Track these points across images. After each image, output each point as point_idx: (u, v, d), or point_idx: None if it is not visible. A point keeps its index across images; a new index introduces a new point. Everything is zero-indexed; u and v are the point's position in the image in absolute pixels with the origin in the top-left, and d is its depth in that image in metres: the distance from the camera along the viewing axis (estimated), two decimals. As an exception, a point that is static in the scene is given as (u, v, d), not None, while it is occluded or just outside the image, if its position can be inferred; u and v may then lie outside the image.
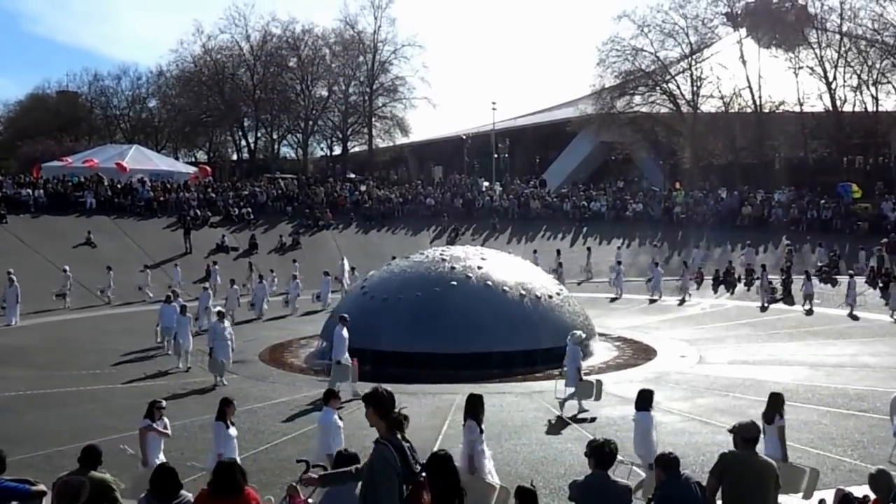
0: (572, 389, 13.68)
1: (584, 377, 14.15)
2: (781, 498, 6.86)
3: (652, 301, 28.88)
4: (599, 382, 14.04)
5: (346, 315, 16.07)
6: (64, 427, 12.86)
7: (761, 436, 9.14)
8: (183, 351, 18.08)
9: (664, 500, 6.15)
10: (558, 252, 34.17)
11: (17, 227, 35.02)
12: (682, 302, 28.42)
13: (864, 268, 30.37)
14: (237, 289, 26.26)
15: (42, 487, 6.99)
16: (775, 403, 9.33)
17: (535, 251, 33.58)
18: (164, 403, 9.81)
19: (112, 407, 14.53)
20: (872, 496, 6.66)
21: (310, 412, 13.95)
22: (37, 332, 23.66)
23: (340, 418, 9.49)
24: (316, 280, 30.10)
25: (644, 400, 9.71)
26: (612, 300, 29.44)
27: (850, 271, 28.33)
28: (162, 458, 9.22)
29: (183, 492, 6.69)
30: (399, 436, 5.67)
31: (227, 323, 17.32)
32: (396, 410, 5.80)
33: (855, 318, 23.90)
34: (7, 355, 19.38)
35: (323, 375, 17.57)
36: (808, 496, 8.58)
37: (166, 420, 9.73)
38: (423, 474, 5.64)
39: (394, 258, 24.90)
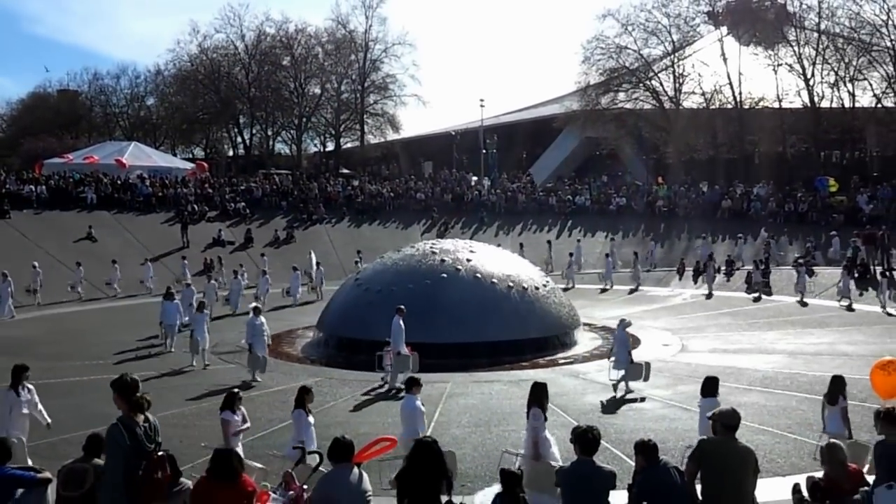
0: (622, 372, 14.11)
1: (631, 361, 14.43)
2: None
3: (603, 290, 29.21)
4: (648, 364, 14.40)
5: (402, 306, 15.59)
6: (68, 416, 12.82)
7: (825, 412, 9.60)
8: (200, 349, 17.33)
9: (645, 485, 6.21)
10: (549, 244, 34.36)
11: (20, 223, 34.91)
12: (632, 291, 29.10)
13: (837, 255, 30.54)
14: (214, 283, 25.89)
15: (47, 475, 7.01)
16: (838, 385, 9.68)
17: (521, 245, 33.71)
18: (241, 394, 9.68)
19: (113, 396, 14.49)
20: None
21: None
22: (40, 324, 23.58)
23: (422, 405, 9.54)
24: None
25: (710, 387, 9.79)
26: (602, 291, 29.51)
27: (845, 263, 28.39)
28: (240, 448, 9.11)
29: (182, 479, 6.72)
30: (141, 417, 6.35)
31: (262, 318, 16.46)
32: (138, 395, 6.51)
33: (851, 309, 23.68)
34: (12, 347, 19.29)
35: (319, 364, 17.67)
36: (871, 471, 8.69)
37: (244, 410, 9.60)
38: (161, 453, 6.27)
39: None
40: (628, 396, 13.90)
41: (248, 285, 28.46)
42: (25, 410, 9.94)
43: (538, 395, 9.08)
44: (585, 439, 6.48)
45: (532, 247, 34.64)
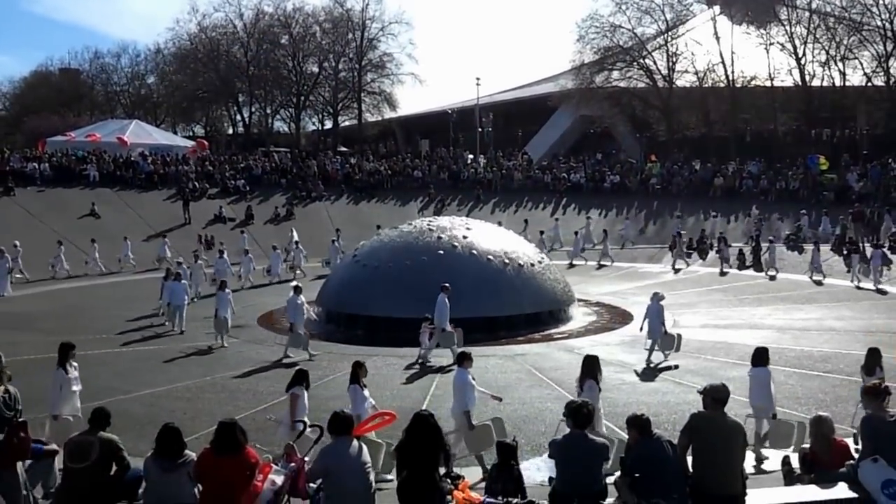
0: (652, 341, 14.66)
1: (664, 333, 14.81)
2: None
3: (571, 266, 29.06)
4: (679, 336, 14.83)
5: (448, 284, 15.51)
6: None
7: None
8: (225, 328, 16.79)
9: (638, 458, 6.23)
10: (556, 220, 34.50)
11: (24, 200, 34.82)
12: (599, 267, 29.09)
13: (827, 232, 30.56)
14: (201, 263, 25.24)
15: (54, 447, 7.06)
16: (875, 357, 9.92)
17: (525, 220, 33.78)
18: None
19: (118, 369, 14.58)
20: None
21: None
22: (45, 299, 23.56)
23: (473, 378, 9.55)
24: (312, 249, 30.26)
25: (761, 357, 9.88)
26: (599, 267, 29.55)
27: (815, 240, 28.59)
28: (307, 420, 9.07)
29: (187, 451, 6.75)
30: (1, 388, 7.07)
31: (303, 297, 16.14)
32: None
33: (819, 283, 24.04)
34: (16, 322, 19.33)
35: (318, 339, 17.69)
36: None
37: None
38: (22, 419, 6.66)
39: (378, 227, 25.01)
40: (662, 366, 14.24)
41: (233, 262, 28.02)
42: (75, 388, 9.83)
43: (591, 367, 9.19)
44: (579, 414, 6.52)
45: (529, 223, 34.66)
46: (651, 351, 14.65)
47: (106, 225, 33.60)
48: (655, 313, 14.73)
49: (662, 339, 14.62)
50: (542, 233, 31.91)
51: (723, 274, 26.75)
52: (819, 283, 24.16)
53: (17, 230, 29.67)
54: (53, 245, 29.05)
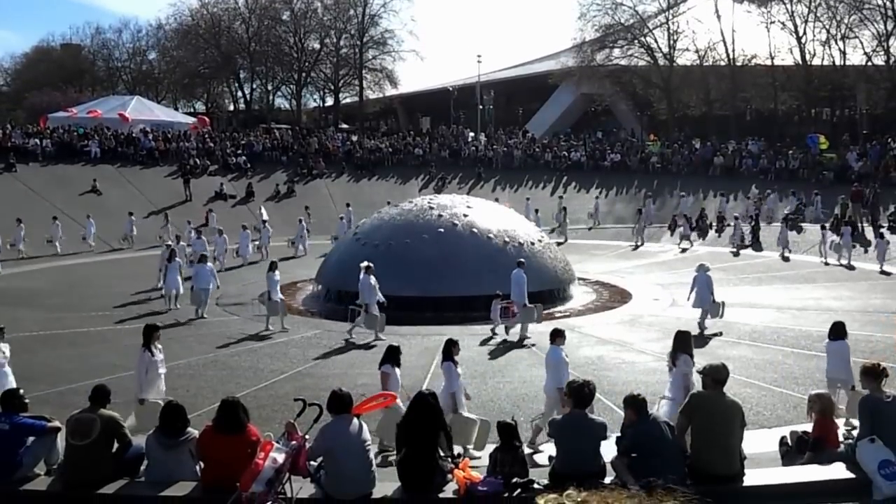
0: (703, 310, 15.28)
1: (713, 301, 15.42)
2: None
3: (559, 244, 28.87)
4: (723, 303, 15.49)
5: (522, 260, 16.04)
6: (75, 366, 12.89)
7: None
8: (280, 312, 16.13)
9: (635, 439, 6.20)
10: (560, 199, 34.53)
11: (26, 176, 34.63)
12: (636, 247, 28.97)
13: (817, 212, 30.31)
14: (204, 239, 24.71)
15: (57, 424, 7.04)
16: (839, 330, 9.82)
17: (527, 199, 33.69)
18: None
19: (120, 346, 14.57)
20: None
21: (305, 352, 14.09)
22: (47, 275, 23.53)
23: (566, 355, 9.54)
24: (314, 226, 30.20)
25: (839, 331, 9.84)
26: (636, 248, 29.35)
27: (786, 215, 29.28)
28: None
29: (189, 428, 6.74)
30: None
31: (374, 278, 15.46)
32: None
33: (786, 259, 24.44)
34: (19, 298, 19.30)
35: (319, 317, 17.68)
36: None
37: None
38: None
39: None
40: (707, 332, 14.89)
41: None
42: (161, 370, 9.69)
43: (684, 342, 9.16)
44: (581, 393, 6.49)
45: (535, 202, 34.50)
46: (703, 319, 15.21)
47: (107, 201, 33.48)
48: (704, 283, 15.35)
49: (711, 307, 15.30)
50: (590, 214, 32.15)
51: (736, 254, 26.54)
52: (785, 259, 24.65)
53: (19, 206, 29.57)
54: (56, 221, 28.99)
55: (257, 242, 27.50)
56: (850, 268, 23.00)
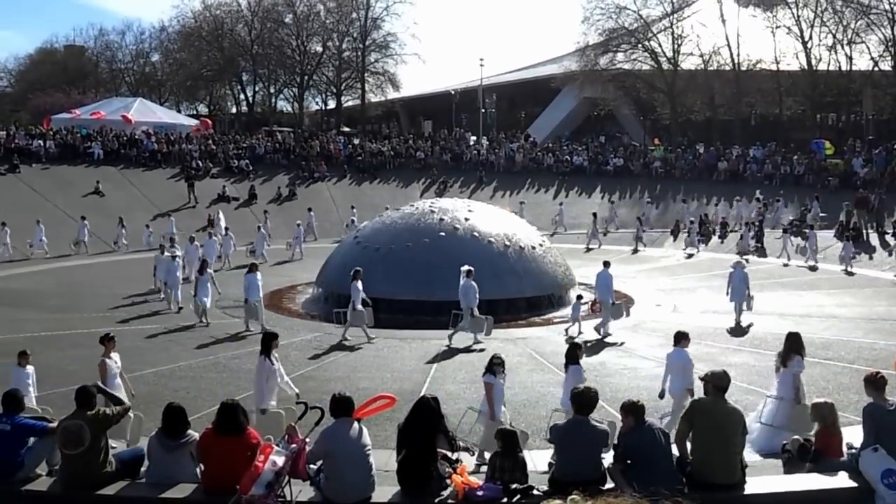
0: (737, 304, 16.33)
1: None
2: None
3: (588, 249, 29.17)
4: (753, 297, 16.64)
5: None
6: (78, 366, 12.90)
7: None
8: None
9: (632, 446, 6.18)
10: (561, 204, 34.85)
11: (29, 177, 34.74)
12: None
13: (816, 218, 30.05)
14: (215, 240, 25.21)
15: (56, 425, 7.07)
16: (794, 343, 9.70)
17: (521, 202, 33.75)
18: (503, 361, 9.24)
19: (121, 348, 14.55)
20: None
21: (313, 354, 14.11)
22: (50, 276, 23.60)
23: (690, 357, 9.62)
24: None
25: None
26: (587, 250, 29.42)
27: (756, 220, 29.89)
28: (505, 411, 8.92)
29: (189, 430, 6.78)
30: None
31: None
32: None
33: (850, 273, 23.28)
34: (23, 299, 19.37)
35: (318, 320, 17.72)
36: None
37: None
38: None
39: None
40: (746, 325, 16.13)
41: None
42: (279, 379, 9.59)
43: (797, 343, 9.34)
44: (583, 399, 6.48)
45: (530, 206, 34.57)
46: (739, 313, 16.22)
47: (110, 203, 33.58)
48: (740, 278, 16.37)
49: (747, 300, 16.41)
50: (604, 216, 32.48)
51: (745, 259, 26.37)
52: (850, 273, 23.56)
53: (23, 207, 29.68)
54: (59, 222, 29.12)
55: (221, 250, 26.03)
56: (851, 273, 22.93)
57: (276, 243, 28.91)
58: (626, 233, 32.64)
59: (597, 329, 15.54)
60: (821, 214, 30.30)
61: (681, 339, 9.78)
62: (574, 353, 9.40)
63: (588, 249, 28.98)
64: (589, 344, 14.42)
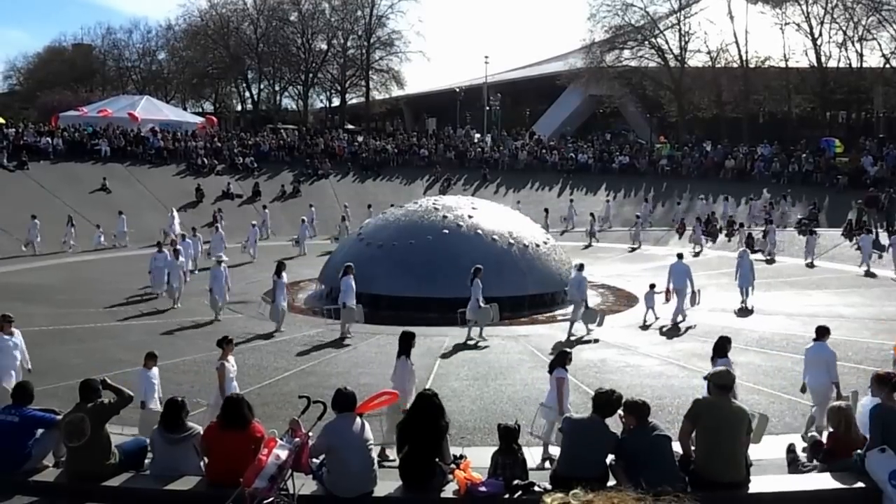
0: (743, 288, 17.88)
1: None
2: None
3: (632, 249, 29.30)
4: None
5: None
6: (84, 360, 13.03)
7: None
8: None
9: (635, 445, 6.16)
10: (571, 202, 34.97)
11: (37, 174, 35.05)
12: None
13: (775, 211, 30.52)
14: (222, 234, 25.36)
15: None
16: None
17: (518, 202, 33.83)
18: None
19: (127, 342, 14.74)
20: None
21: (308, 349, 14.16)
22: (57, 272, 23.73)
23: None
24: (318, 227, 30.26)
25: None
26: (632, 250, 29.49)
27: (697, 217, 30.52)
28: (569, 406, 8.87)
29: (192, 424, 6.83)
30: None
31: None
32: None
33: (872, 275, 22.86)
34: (30, 293, 19.48)
35: (321, 316, 17.75)
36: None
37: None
38: None
39: (369, 206, 24.26)
40: (750, 306, 17.71)
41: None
42: (416, 380, 9.47)
43: (823, 333, 9.63)
44: (604, 400, 6.45)
45: (533, 204, 34.52)
46: (746, 296, 17.66)
47: (116, 199, 33.78)
48: (747, 265, 17.83)
49: (753, 285, 17.92)
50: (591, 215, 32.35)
51: (770, 262, 25.94)
52: (696, 255, 26.35)
53: (31, 204, 29.88)
54: (66, 218, 29.22)
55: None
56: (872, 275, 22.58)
57: (282, 239, 28.95)
58: (628, 231, 32.62)
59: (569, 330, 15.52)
60: (800, 212, 30.40)
61: (822, 333, 9.60)
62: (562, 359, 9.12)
63: (587, 245, 29.25)
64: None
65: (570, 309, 17.10)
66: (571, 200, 34.94)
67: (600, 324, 15.53)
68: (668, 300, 16.70)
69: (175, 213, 30.47)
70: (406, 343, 9.25)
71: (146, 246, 28.84)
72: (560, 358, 8.93)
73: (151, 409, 8.99)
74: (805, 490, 6.30)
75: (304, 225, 28.92)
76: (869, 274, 22.62)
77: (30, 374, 9.81)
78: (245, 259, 25.61)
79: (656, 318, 16.50)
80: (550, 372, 8.90)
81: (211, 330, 15.96)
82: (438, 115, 64.78)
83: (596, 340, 14.96)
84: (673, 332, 15.88)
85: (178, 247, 20.64)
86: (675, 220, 32.65)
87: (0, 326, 10.02)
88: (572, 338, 15.15)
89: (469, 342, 14.77)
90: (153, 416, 7.93)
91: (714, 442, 6.14)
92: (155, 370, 9.57)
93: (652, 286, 16.76)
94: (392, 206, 24.67)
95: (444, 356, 13.81)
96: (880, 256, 23.72)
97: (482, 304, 15.24)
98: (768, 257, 25.72)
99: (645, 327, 16.29)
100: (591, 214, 31.98)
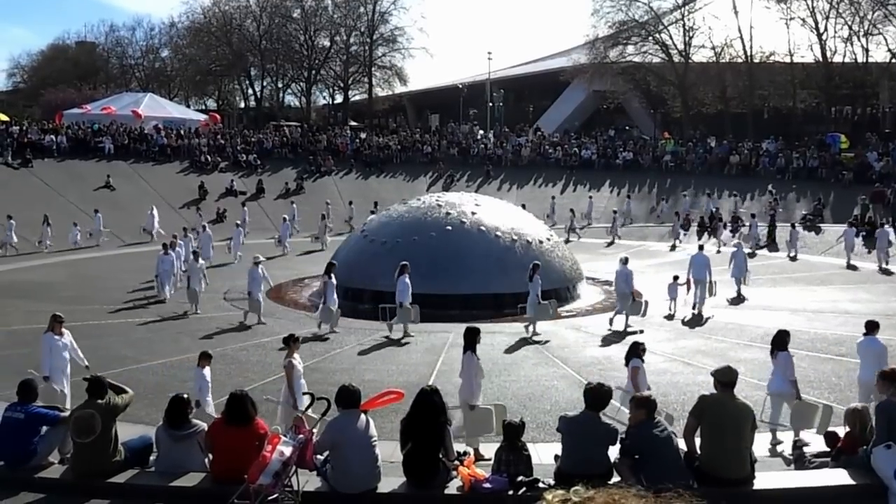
0: (737, 279, 18.97)
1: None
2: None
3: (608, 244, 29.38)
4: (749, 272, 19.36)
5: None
6: (89, 357, 12.98)
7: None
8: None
9: (641, 441, 6.14)
10: (590, 198, 35.19)
11: (42, 171, 35.18)
12: (673, 247, 28.55)
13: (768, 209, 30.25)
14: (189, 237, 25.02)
15: (68, 414, 7.17)
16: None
17: (523, 205, 33.72)
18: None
19: (132, 339, 14.78)
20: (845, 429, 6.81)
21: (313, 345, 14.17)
22: (62, 269, 23.79)
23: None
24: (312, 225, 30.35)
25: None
26: (608, 244, 29.36)
27: (686, 215, 31.08)
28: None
29: (196, 420, 6.85)
30: None
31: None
32: None
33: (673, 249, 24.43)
34: (35, 291, 19.55)
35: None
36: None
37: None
38: None
39: (376, 204, 24.16)
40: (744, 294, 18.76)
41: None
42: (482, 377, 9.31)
43: (873, 327, 9.71)
44: (595, 395, 6.45)
45: (538, 201, 34.45)
46: (739, 285, 18.72)
47: (120, 196, 33.86)
48: (742, 257, 19.11)
49: (745, 275, 18.98)
50: (615, 211, 32.23)
51: (752, 255, 25.51)
52: (673, 249, 27.30)
53: (35, 201, 29.97)
54: (71, 216, 29.27)
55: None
56: (888, 272, 22.47)
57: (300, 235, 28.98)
58: (634, 227, 32.59)
59: (527, 328, 15.40)
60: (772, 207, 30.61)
61: (873, 327, 9.73)
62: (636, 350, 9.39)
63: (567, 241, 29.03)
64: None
65: (577, 304, 17.15)
66: (553, 198, 34.62)
67: (644, 314, 15.90)
68: (689, 291, 17.20)
69: (155, 211, 30.40)
70: (471, 338, 9.16)
71: (139, 242, 28.95)
72: (633, 349, 9.31)
73: (205, 409, 8.94)
74: (809, 486, 6.29)
75: (286, 224, 28.61)
76: (850, 266, 23.24)
77: (87, 371, 9.66)
78: (228, 259, 25.19)
79: (676, 309, 16.91)
80: (626, 364, 9.36)
81: (214, 327, 15.99)
82: (441, 111, 64.73)
83: (641, 331, 15.12)
84: (695, 321, 16.34)
85: (196, 248, 20.57)
86: (678, 214, 32.48)
87: (51, 327, 9.98)
88: (609, 330, 15.40)
89: (533, 338, 14.84)
90: (207, 417, 8.00)
91: (719, 438, 6.14)
92: (207, 370, 9.51)
93: (675, 278, 17.10)
94: (375, 204, 24.44)
95: (448, 352, 13.80)
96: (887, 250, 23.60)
97: (541, 301, 15.28)
98: (792, 255, 25.50)
99: (670, 318, 16.62)
100: (571, 210, 31.92)
